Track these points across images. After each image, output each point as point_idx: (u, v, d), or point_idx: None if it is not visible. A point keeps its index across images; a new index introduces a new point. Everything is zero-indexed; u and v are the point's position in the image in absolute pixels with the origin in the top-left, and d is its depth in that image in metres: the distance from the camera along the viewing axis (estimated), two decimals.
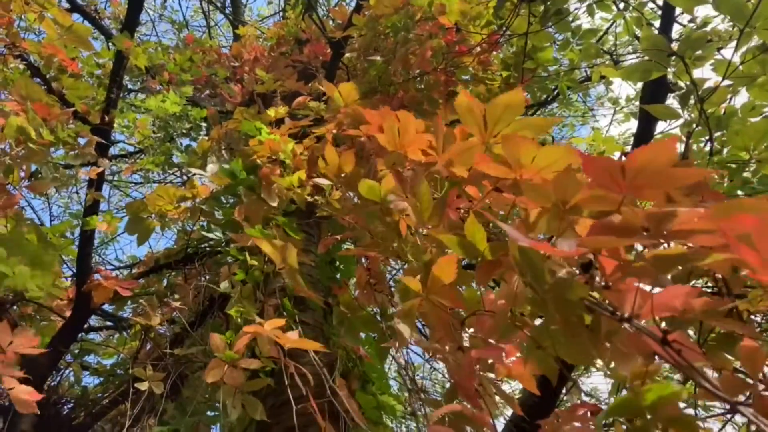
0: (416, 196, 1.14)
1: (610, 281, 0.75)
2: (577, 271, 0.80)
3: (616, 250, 0.77)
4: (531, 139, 0.93)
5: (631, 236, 0.70)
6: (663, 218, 0.68)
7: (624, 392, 0.68)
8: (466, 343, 1.12)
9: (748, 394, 0.78)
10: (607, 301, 0.78)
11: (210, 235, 2.41)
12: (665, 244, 0.73)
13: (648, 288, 0.76)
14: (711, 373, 0.88)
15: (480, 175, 1.12)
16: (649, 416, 0.67)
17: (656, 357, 0.78)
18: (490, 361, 1.08)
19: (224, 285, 2.08)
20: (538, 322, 0.95)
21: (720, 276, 1.22)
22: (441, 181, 1.33)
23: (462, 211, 1.28)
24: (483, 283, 0.93)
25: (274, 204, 2.33)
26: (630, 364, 0.76)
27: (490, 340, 1.04)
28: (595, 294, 0.78)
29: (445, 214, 1.15)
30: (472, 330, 1.13)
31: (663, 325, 0.77)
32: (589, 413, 1.11)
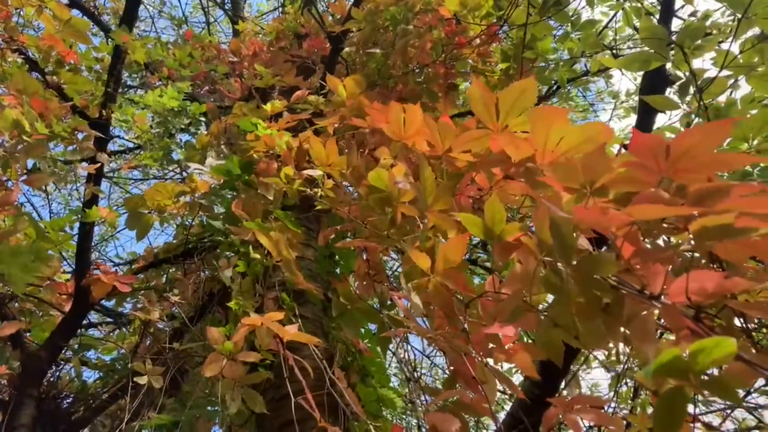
0: (421, 181, 1.14)
1: (632, 264, 0.74)
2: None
3: (635, 235, 0.76)
4: (563, 115, 0.91)
5: (678, 208, 0.68)
6: (708, 194, 0.66)
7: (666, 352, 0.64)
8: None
9: None
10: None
11: (214, 223, 2.40)
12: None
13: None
14: None
15: (489, 163, 1.12)
16: (693, 378, 0.64)
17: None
18: (490, 345, 1.08)
19: (226, 274, 2.07)
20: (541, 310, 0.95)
21: (719, 267, 1.21)
22: (447, 171, 1.33)
23: (471, 199, 1.28)
24: (501, 262, 0.93)
25: (271, 198, 2.33)
26: (653, 343, 0.75)
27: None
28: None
29: (456, 198, 1.15)
30: (471, 318, 1.13)
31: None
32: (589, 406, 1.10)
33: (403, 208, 1.27)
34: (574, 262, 0.79)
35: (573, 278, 0.79)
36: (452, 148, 1.24)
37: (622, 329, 0.82)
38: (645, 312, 0.78)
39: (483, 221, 0.93)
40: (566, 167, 0.84)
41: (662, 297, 0.72)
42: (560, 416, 0.95)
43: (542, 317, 0.91)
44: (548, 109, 0.94)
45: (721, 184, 0.67)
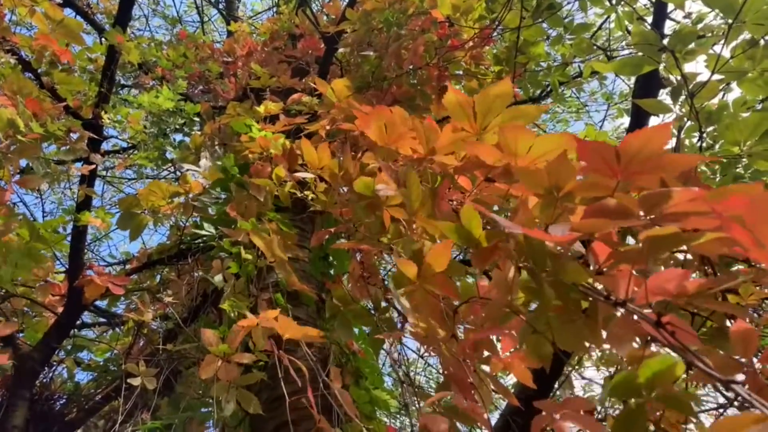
0: (407, 187, 1.15)
1: (604, 267, 0.75)
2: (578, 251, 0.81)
3: (609, 235, 0.77)
4: (528, 129, 0.93)
5: (625, 219, 0.71)
6: (657, 200, 0.68)
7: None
8: (460, 335, 1.12)
9: (741, 376, 0.78)
10: (601, 287, 0.78)
11: (202, 232, 2.40)
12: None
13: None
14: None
15: (471, 166, 1.13)
16: (646, 395, 0.68)
17: (651, 342, 0.79)
18: (486, 353, 1.08)
19: (217, 278, 2.07)
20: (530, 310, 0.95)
21: (711, 269, 1.23)
22: (433, 175, 1.33)
23: (455, 202, 1.28)
24: (480, 268, 0.94)
25: (262, 200, 2.33)
26: (626, 347, 0.76)
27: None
28: (590, 280, 0.79)
29: (437, 204, 1.15)
30: (466, 323, 1.14)
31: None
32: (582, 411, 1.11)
33: (391, 211, 1.28)
34: (548, 268, 0.81)
35: (548, 283, 0.81)
36: (435, 152, 1.25)
37: (603, 332, 0.83)
38: (619, 316, 0.79)
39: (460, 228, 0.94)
40: (532, 173, 0.87)
41: (627, 303, 0.73)
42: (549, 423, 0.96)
43: (525, 323, 0.92)
44: (513, 126, 0.98)
45: (662, 191, 0.69)
